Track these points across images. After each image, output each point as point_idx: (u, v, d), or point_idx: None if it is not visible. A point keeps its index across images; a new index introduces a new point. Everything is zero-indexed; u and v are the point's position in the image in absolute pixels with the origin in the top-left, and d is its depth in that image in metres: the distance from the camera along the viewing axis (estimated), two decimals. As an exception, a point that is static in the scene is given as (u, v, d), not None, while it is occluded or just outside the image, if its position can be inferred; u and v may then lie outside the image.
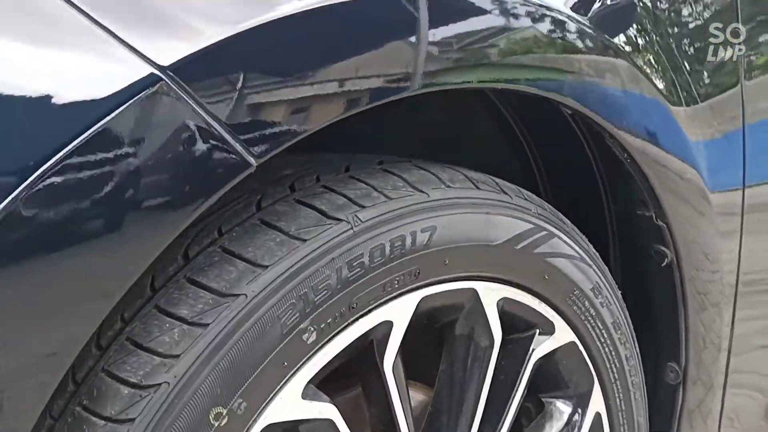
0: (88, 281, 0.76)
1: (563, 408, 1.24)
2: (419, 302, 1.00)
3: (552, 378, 1.23)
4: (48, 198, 0.73)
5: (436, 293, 1.02)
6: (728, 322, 1.37)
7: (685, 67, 1.28)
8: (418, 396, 1.15)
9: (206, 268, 0.88)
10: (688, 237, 1.30)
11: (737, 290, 1.38)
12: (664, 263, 1.31)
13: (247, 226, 0.92)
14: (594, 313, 1.21)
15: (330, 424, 0.94)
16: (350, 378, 1.05)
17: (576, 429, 1.23)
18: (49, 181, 0.73)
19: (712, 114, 1.31)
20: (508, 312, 1.12)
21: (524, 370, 1.15)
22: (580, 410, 1.24)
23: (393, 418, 1.01)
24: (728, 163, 1.34)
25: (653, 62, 1.25)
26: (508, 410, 1.14)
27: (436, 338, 1.13)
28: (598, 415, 1.25)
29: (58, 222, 0.74)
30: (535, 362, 1.15)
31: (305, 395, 0.91)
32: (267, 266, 0.88)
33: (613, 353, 1.24)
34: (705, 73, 1.32)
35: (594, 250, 1.23)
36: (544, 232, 1.12)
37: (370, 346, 0.98)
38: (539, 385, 1.23)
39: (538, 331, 1.15)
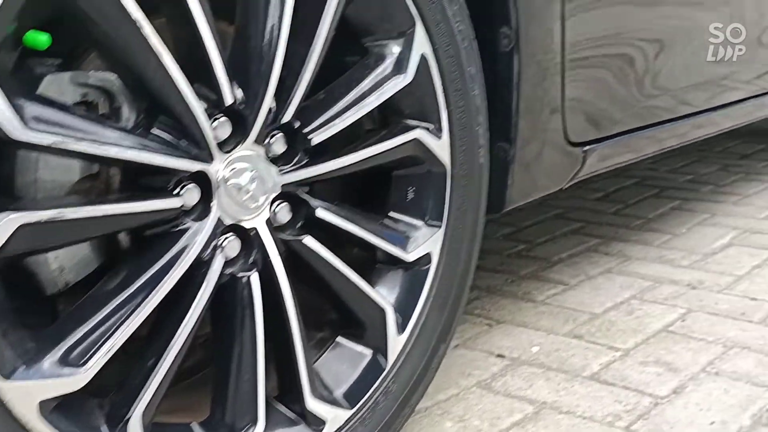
0: None
1: (386, 47, 1.25)
2: None
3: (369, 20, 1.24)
4: None
5: None
6: None
7: None
8: None
9: None
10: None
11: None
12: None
13: None
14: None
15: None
16: None
17: (403, 68, 1.25)
18: None
19: None
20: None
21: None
22: (404, 49, 1.25)
23: None
24: None
25: None
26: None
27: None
28: (423, 57, 1.26)
29: None
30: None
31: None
32: None
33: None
34: None
35: None
36: None
37: None
38: (359, 30, 1.24)
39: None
